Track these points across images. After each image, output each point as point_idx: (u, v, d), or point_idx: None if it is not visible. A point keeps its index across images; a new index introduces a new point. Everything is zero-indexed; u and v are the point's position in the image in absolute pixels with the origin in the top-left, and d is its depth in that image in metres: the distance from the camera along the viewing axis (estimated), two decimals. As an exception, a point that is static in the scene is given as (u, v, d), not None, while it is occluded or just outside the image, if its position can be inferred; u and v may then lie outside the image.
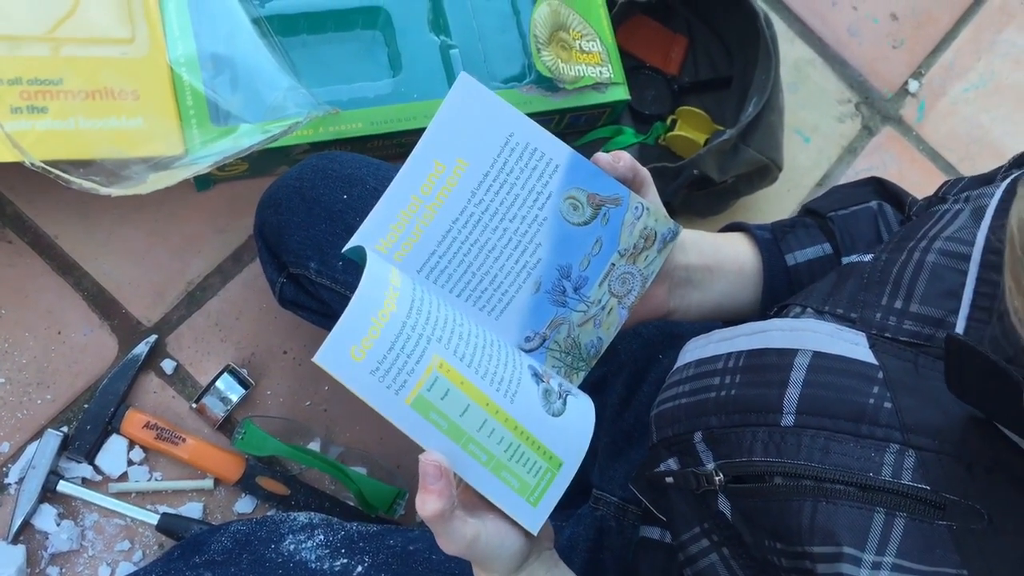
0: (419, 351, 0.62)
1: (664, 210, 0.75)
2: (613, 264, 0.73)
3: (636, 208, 0.73)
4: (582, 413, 0.70)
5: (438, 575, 0.87)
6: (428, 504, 0.62)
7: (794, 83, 1.40)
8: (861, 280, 0.69)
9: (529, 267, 0.71)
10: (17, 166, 0.95)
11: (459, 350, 0.64)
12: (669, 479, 0.73)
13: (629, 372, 0.89)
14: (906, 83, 1.45)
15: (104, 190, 0.92)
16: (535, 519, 0.67)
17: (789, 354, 0.66)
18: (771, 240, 0.82)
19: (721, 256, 0.81)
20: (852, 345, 0.64)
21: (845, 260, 0.80)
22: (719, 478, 0.68)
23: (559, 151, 0.70)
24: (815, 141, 1.40)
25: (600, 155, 0.71)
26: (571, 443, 0.68)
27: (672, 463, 0.73)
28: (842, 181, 1.39)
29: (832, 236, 0.82)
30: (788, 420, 0.64)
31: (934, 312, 0.63)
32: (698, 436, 0.71)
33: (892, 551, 0.58)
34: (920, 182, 1.41)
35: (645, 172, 0.74)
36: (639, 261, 0.74)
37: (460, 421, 0.64)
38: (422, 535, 0.91)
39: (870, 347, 0.64)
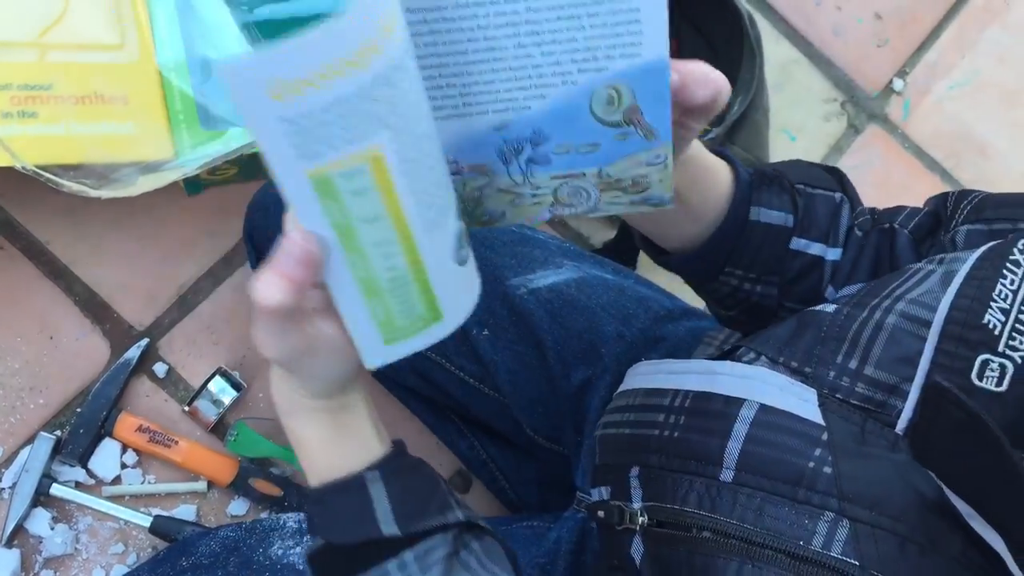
0: (360, 131, 0.48)
1: (671, 179, 0.63)
2: (584, 174, 0.62)
3: (657, 157, 0.60)
4: (475, 270, 0.60)
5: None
6: (271, 290, 0.49)
7: (780, 83, 1.41)
8: (819, 333, 0.66)
9: (513, 106, 0.58)
10: (8, 172, 0.96)
11: (408, 153, 0.50)
12: (601, 513, 0.70)
13: (612, 376, 0.88)
14: (891, 82, 1.46)
15: (94, 192, 0.93)
16: (380, 357, 0.57)
17: (736, 404, 0.64)
18: (748, 186, 0.76)
19: (697, 187, 0.72)
20: (801, 402, 0.62)
21: (794, 242, 0.77)
22: (642, 519, 0.66)
23: (656, 45, 0.55)
24: (801, 140, 1.41)
25: (698, 67, 0.58)
26: (460, 299, 0.58)
27: (604, 492, 0.71)
28: (829, 179, 1.40)
29: (796, 209, 0.77)
30: (727, 476, 0.63)
31: (888, 378, 0.61)
32: (635, 471, 0.69)
33: None
34: (905, 179, 1.42)
35: (696, 127, 0.62)
36: (606, 193, 0.63)
37: (359, 226, 0.51)
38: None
39: (819, 406, 0.62)
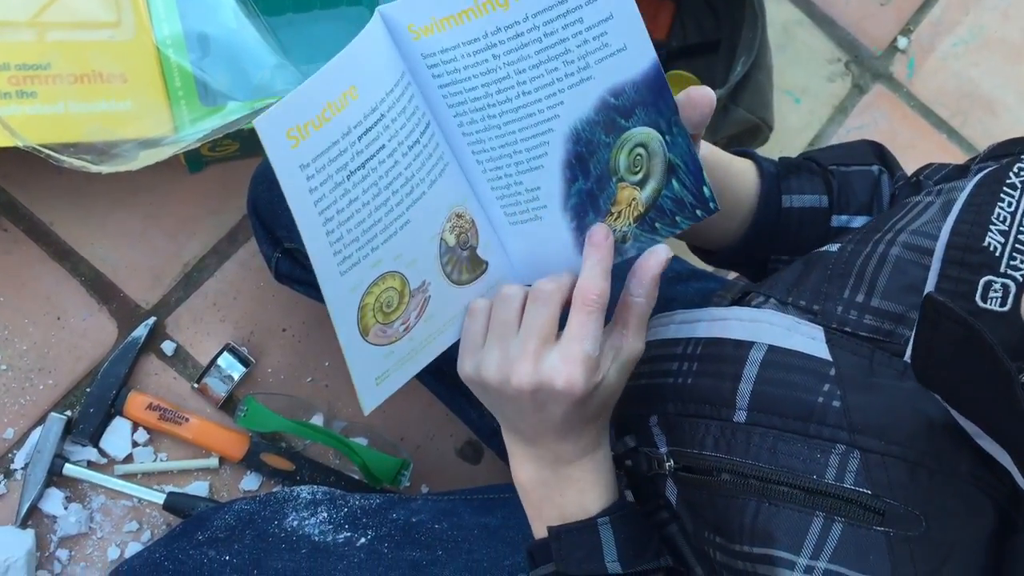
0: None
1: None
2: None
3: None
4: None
5: (441, 543, 0.88)
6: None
7: (783, 44, 1.40)
8: (825, 271, 0.68)
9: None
10: (10, 153, 0.95)
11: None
12: (628, 462, 0.72)
13: None
14: (895, 40, 1.44)
15: (95, 167, 0.93)
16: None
17: (745, 346, 0.66)
18: (775, 175, 0.79)
19: (727, 182, 0.76)
20: (808, 339, 0.64)
21: (835, 219, 0.79)
22: (669, 464, 0.68)
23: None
24: (806, 101, 1.40)
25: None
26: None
27: (629, 440, 0.73)
28: (834, 139, 1.39)
29: (831, 189, 0.80)
30: (740, 416, 0.64)
31: (895, 307, 0.63)
32: (654, 420, 0.71)
33: (826, 556, 0.58)
34: (912, 139, 1.41)
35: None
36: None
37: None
38: (425, 506, 0.92)
39: (826, 342, 0.63)
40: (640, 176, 0.63)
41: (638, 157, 0.63)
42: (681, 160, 0.62)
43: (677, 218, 0.64)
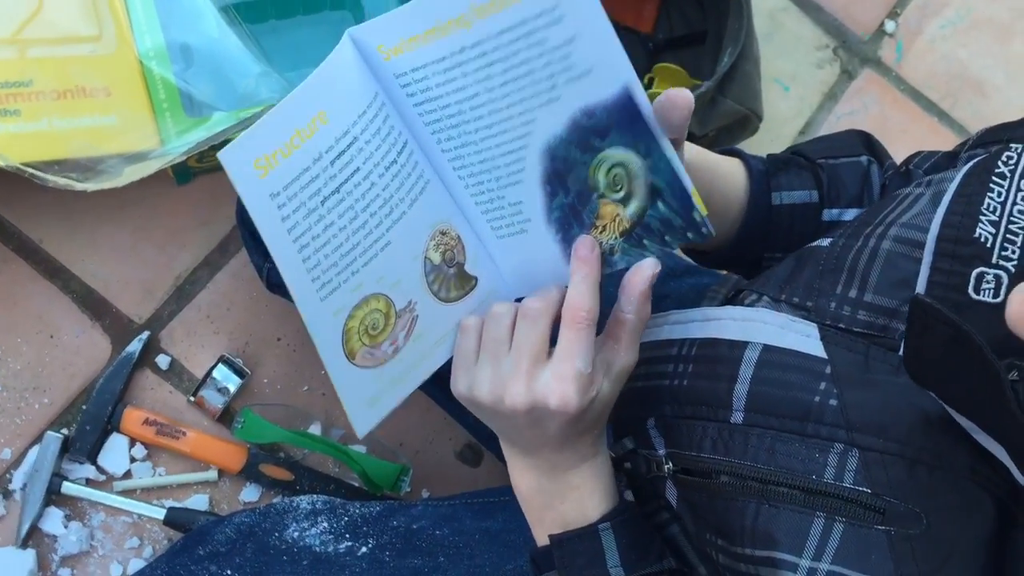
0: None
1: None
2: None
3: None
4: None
5: (443, 550, 0.87)
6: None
7: (769, 33, 1.39)
8: (817, 267, 0.67)
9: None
10: (-5, 172, 0.95)
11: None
12: (627, 464, 0.72)
13: None
14: (882, 24, 1.44)
15: (80, 185, 0.92)
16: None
17: (739, 347, 0.65)
18: (763, 173, 0.79)
19: (715, 184, 0.75)
20: (803, 337, 0.63)
21: (826, 214, 0.79)
22: (668, 466, 0.68)
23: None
24: (795, 89, 1.39)
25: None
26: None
27: (628, 442, 0.73)
28: (825, 127, 1.39)
29: (820, 184, 0.80)
30: (737, 417, 0.64)
31: (888, 302, 0.62)
32: (651, 422, 0.70)
33: (828, 557, 0.58)
34: (903, 122, 1.41)
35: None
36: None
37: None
38: (425, 512, 0.91)
39: (821, 339, 0.63)
40: (622, 194, 0.62)
41: (617, 176, 0.61)
42: (665, 183, 0.60)
43: (666, 237, 0.63)
